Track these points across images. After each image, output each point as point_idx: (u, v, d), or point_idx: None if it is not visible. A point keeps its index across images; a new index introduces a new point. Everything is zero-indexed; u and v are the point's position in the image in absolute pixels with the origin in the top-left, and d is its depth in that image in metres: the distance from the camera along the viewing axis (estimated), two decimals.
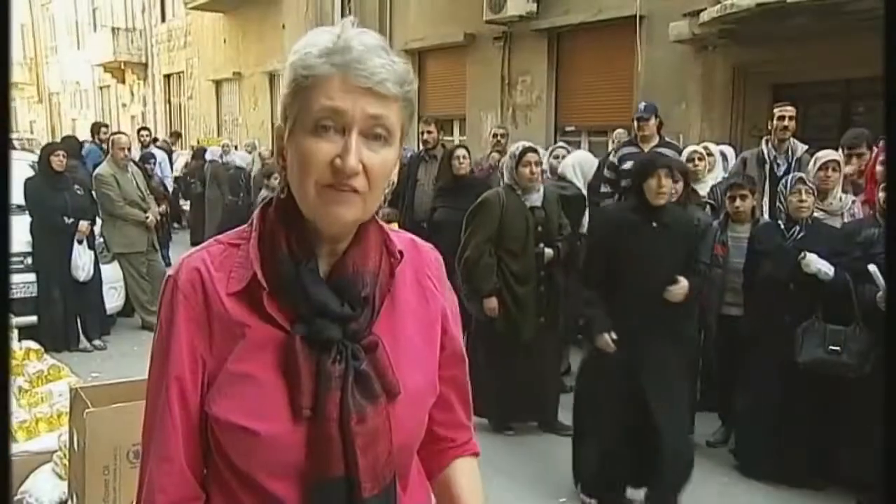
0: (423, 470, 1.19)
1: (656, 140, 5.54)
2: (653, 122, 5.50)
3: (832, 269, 3.74)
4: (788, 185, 4.01)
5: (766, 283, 4.00)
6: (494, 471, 3.77)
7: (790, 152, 5.00)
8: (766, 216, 4.74)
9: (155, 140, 12.37)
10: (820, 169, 4.27)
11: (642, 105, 5.63)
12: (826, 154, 4.46)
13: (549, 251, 4.41)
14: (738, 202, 4.27)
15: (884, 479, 0.90)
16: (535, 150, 4.37)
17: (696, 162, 5.06)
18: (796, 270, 3.79)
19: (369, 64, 0.92)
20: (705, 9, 6.99)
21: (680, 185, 4.26)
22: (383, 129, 0.95)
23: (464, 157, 5.71)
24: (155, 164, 9.68)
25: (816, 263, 3.74)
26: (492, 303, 4.31)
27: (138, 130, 11.93)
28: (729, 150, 5.96)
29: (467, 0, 10.44)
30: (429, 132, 6.45)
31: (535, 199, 4.37)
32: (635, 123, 5.59)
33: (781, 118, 5.02)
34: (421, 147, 6.65)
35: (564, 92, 9.83)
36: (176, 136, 15.37)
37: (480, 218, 4.35)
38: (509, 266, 4.33)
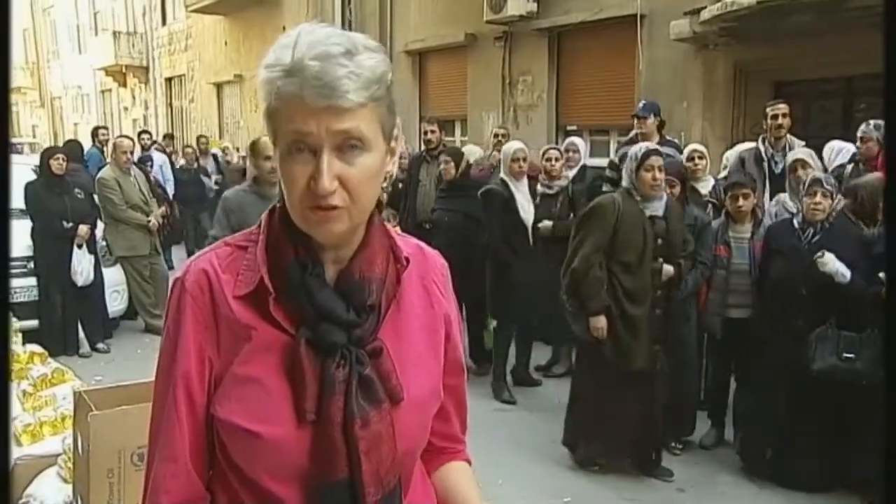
0: (427, 477, 1.18)
1: (657, 139, 5.53)
2: (651, 120, 5.50)
3: (849, 272, 3.64)
4: (806, 185, 3.97)
5: (778, 284, 3.93)
6: None
7: (787, 149, 5.00)
8: (767, 215, 4.73)
9: (155, 142, 12.27)
10: (790, 170, 4.28)
11: (641, 103, 5.65)
12: (793, 154, 4.45)
13: (668, 268, 3.92)
14: (740, 201, 4.23)
15: (884, 480, 0.90)
16: (658, 153, 3.88)
17: (697, 161, 5.06)
18: (810, 274, 3.71)
19: (327, 79, 0.89)
20: (706, 7, 6.98)
21: (678, 189, 4.26)
22: (356, 140, 0.93)
23: (447, 161, 5.65)
24: (152, 166, 9.67)
25: (834, 264, 3.65)
26: (600, 322, 3.83)
27: (139, 134, 11.88)
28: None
29: (467, 0, 10.43)
30: (432, 131, 6.41)
31: (657, 207, 3.87)
32: (634, 121, 5.60)
33: (775, 117, 5.02)
34: (423, 147, 6.61)
35: (565, 91, 9.83)
36: (169, 138, 14.69)
37: (591, 225, 3.88)
38: (622, 282, 3.83)
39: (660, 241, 3.88)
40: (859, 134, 4.80)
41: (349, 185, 0.94)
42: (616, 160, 5.56)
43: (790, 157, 4.54)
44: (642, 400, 3.93)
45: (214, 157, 12.03)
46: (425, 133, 6.53)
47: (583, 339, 4.00)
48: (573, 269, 3.91)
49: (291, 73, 0.90)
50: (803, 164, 4.39)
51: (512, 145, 5.33)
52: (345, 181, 0.93)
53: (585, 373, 4.08)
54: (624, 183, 3.96)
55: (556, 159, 5.51)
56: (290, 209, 0.97)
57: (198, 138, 13.01)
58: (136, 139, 10.12)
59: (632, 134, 5.99)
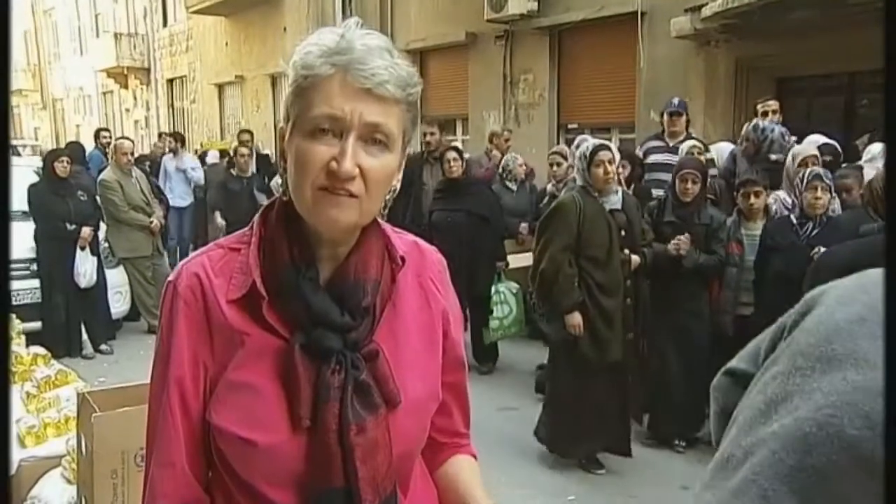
0: (428, 475, 1.18)
1: (684, 136, 5.55)
2: (684, 118, 5.53)
3: None
4: (805, 180, 3.96)
5: (777, 280, 3.92)
6: None
7: None
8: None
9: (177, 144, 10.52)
10: (799, 166, 4.25)
11: (675, 100, 5.65)
12: (804, 150, 4.44)
13: (635, 258, 4.00)
14: (752, 199, 4.21)
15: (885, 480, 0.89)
16: (608, 148, 3.93)
17: (696, 156, 5.05)
18: (808, 268, 3.73)
19: (371, 65, 0.90)
20: (707, 4, 6.97)
21: (698, 187, 4.23)
22: (382, 136, 0.94)
23: (454, 159, 5.59)
24: (154, 170, 9.56)
25: None
26: (575, 318, 3.84)
27: (159, 135, 11.26)
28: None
29: None
30: (431, 133, 6.39)
31: (615, 201, 3.95)
32: (666, 117, 5.60)
33: (765, 113, 5.02)
34: (423, 149, 6.59)
35: (567, 90, 9.81)
36: (177, 137, 11.72)
37: (555, 225, 3.90)
38: (593, 276, 3.87)
39: (623, 232, 3.94)
40: (743, 133, 4.99)
41: (367, 176, 0.93)
42: (640, 154, 5.60)
43: (799, 153, 4.53)
44: (618, 390, 4.00)
45: (264, 157, 9.53)
46: (424, 135, 6.49)
47: (557, 338, 4.01)
48: (542, 271, 3.92)
49: (337, 52, 0.91)
50: (814, 160, 4.38)
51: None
52: (364, 172, 0.93)
53: (563, 371, 4.08)
54: (578, 181, 4.00)
55: (559, 164, 5.49)
56: (298, 191, 0.95)
57: (240, 133, 9.67)
58: (158, 141, 9.88)
59: (649, 136, 6.02)
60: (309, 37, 0.96)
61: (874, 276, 1.14)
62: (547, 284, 3.92)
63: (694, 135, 5.85)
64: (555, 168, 5.61)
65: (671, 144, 5.46)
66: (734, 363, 1.35)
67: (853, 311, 1.09)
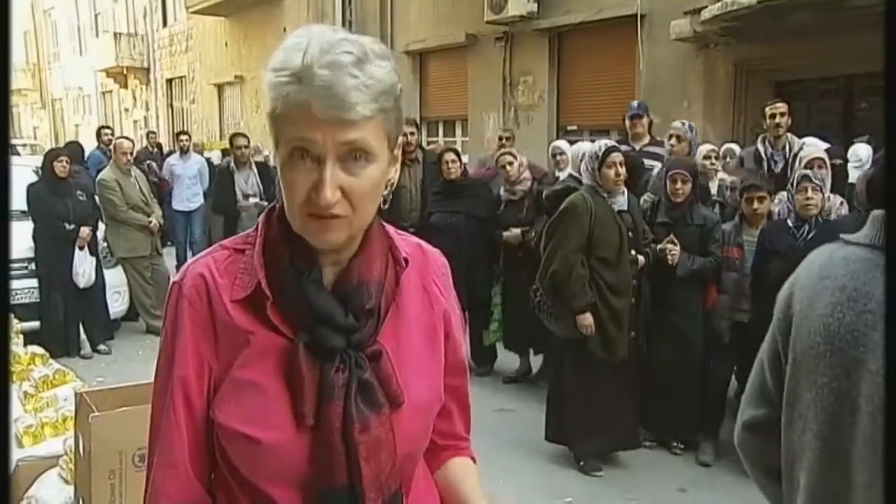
0: (430, 476, 1.18)
1: (647, 139, 5.55)
2: (645, 120, 5.54)
3: None
4: (795, 182, 3.96)
5: (775, 284, 3.91)
6: None
7: (787, 148, 4.99)
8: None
9: (195, 145, 10.47)
10: (806, 167, 4.24)
11: (635, 104, 5.73)
12: (810, 152, 4.42)
13: (641, 258, 4.05)
14: (755, 204, 4.17)
15: (884, 480, 0.89)
16: (618, 150, 3.98)
17: (713, 160, 5.03)
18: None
19: (337, 90, 0.87)
20: (706, 6, 6.99)
21: (689, 186, 4.21)
22: (361, 151, 0.92)
23: (453, 160, 5.53)
24: (158, 166, 9.47)
25: None
26: (587, 319, 3.88)
27: (177, 135, 10.69)
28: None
29: (468, 1, 10.44)
30: (411, 133, 6.24)
31: (622, 202, 4.00)
32: (628, 122, 5.63)
33: (773, 116, 5.02)
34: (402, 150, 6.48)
35: (566, 91, 9.83)
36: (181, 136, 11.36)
37: (567, 225, 3.92)
38: (603, 277, 3.91)
39: (630, 233, 3.98)
40: (670, 131, 5.04)
41: (352, 196, 0.93)
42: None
43: (806, 155, 4.53)
44: (625, 387, 4.06)
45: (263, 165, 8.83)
46: (403, 135, 6.34)
47: (565, 337, 4.05)
48: (554, 271, 3.94)
49: (300, 79, 0.88)
50: (821, 163, 4.37)
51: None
52: (347, 192, 0.92)
53: (570, 369, 4.09)
54: (586, 181, 4.02)
55: (510, 163, 5.37)
56: (290, 215, 0.96)
57: (233, 136, 9.15)
58: (174, 140, 9.62)
59: (610, 140, 6.01)
60: (276, 54, 0.92)
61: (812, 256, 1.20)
62: (559, 284, 3.94)
63: (658, 138, 5.83)
64: (508, 168, 5.36)
65: (637, 148, 5.45)
66: (745, 417, 1.31)
67: (817, 297, 1.11)
